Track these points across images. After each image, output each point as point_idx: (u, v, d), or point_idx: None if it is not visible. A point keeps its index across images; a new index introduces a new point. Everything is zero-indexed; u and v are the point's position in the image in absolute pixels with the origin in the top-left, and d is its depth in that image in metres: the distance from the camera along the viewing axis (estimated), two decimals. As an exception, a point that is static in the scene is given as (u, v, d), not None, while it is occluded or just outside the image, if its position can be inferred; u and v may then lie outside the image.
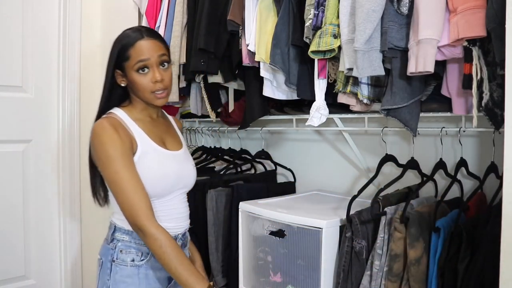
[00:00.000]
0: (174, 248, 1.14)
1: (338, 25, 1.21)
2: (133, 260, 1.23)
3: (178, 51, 1.77)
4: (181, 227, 1.33)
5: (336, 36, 1.22)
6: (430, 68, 1.06)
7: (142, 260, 1.24)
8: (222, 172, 1.79)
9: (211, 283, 1.14)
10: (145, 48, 1.22)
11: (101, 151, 1.18)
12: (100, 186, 1.31)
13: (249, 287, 1.50)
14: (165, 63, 1.25)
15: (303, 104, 1.60)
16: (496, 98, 1.04)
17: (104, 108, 1.29)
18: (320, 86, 1.35)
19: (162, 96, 1.25)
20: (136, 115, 1.29)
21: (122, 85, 1.27)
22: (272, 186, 1.83)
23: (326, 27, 1.24)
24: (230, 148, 2.07)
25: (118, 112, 1.27)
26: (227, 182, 1.73)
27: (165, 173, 1.26)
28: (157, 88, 1.23)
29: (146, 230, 1.13)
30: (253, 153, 1.95)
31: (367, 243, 1.24)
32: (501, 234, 0.88)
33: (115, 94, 1.29)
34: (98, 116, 1.28)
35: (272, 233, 1.38)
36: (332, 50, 1.25)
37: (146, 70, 1.22)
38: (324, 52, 1.27)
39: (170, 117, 1.47)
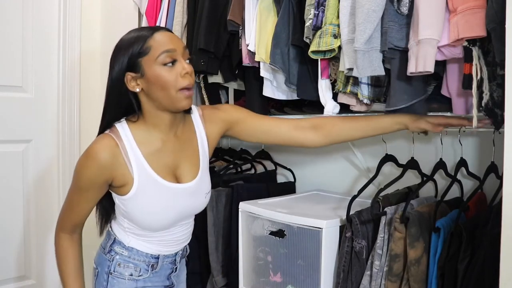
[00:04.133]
0: (68, 263, 1.22)
1: (338, 25, 1.21)
2: (131, 275, 1.20)
3: (178, 51, 1.76)
4: (180, 248, 1.28)
5: (336, 36, 1.22)
6: (430, 68, 1.06)
7: (140, 275, 1.20)
8: (222, 172, 1.79)
9: None
10: (168, 38, 1.05)
11: (75, 173, 1.11)
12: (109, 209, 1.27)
13: (249, 287, 1.50)
14: (189, 60, 1.09)
15: (303, 104, 1.59)
16: (496, 98, 1.04)
17: (108, 122, 1.10)
18: (324, 86, 1.35)
19: (190, 95, 1.07)
20: (143, 136, 1.10)
21: (137, 90, 1.06)
22: (272, 186, 1.82)
23: (326, 27, 1.24)
24: (230, 148, 2.07)
25: (122, 129, 1.09)
26: (227, 182, 1.73)
27: (166, 209, 1.13)
28: (186, 82, 1.04)
29: (55, 239, 1.21)
30: (253, 153, 1.94)
31: (367, 243, 1.24)
32: (501, 234, 0.88)
33: (122, 106, 1.09)
34: (100, 131, 1.11)
35: (272, 233, 1.38)
36: (332, 50, 1.25)
37: (172, 63, 1.04)
38: (324, 52, 1.27)
39: (198, 119, 1.22)
